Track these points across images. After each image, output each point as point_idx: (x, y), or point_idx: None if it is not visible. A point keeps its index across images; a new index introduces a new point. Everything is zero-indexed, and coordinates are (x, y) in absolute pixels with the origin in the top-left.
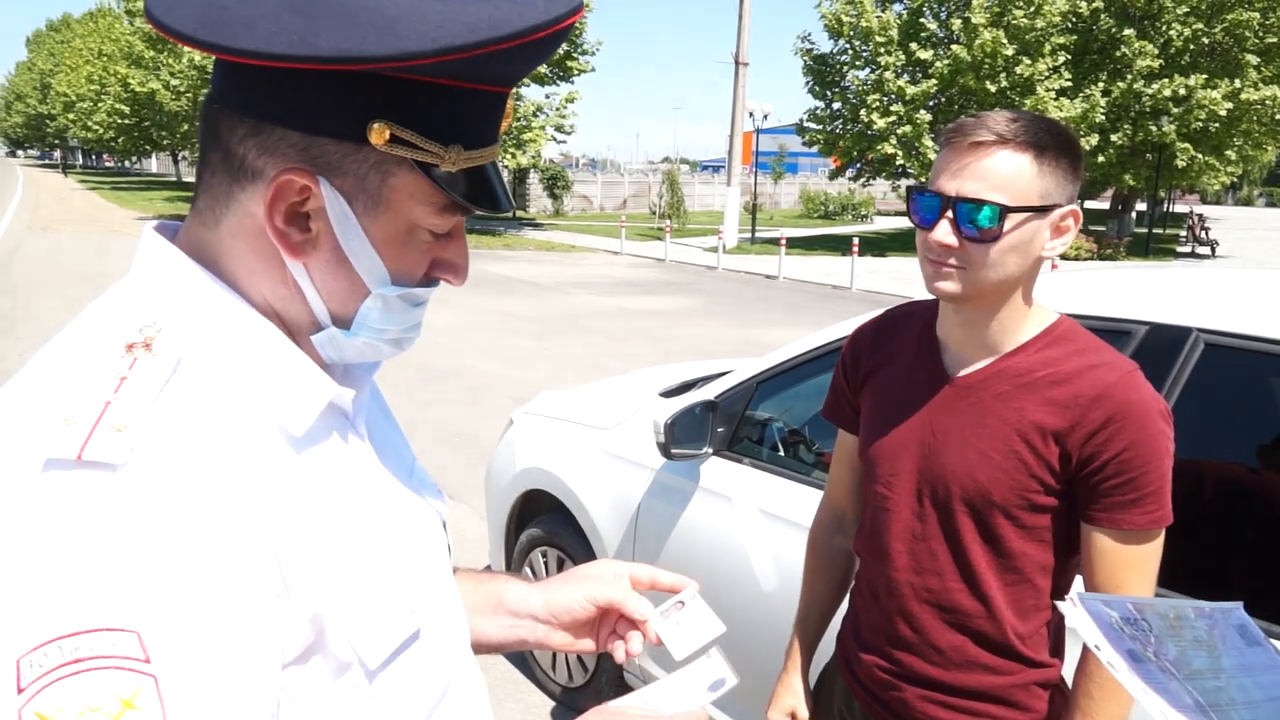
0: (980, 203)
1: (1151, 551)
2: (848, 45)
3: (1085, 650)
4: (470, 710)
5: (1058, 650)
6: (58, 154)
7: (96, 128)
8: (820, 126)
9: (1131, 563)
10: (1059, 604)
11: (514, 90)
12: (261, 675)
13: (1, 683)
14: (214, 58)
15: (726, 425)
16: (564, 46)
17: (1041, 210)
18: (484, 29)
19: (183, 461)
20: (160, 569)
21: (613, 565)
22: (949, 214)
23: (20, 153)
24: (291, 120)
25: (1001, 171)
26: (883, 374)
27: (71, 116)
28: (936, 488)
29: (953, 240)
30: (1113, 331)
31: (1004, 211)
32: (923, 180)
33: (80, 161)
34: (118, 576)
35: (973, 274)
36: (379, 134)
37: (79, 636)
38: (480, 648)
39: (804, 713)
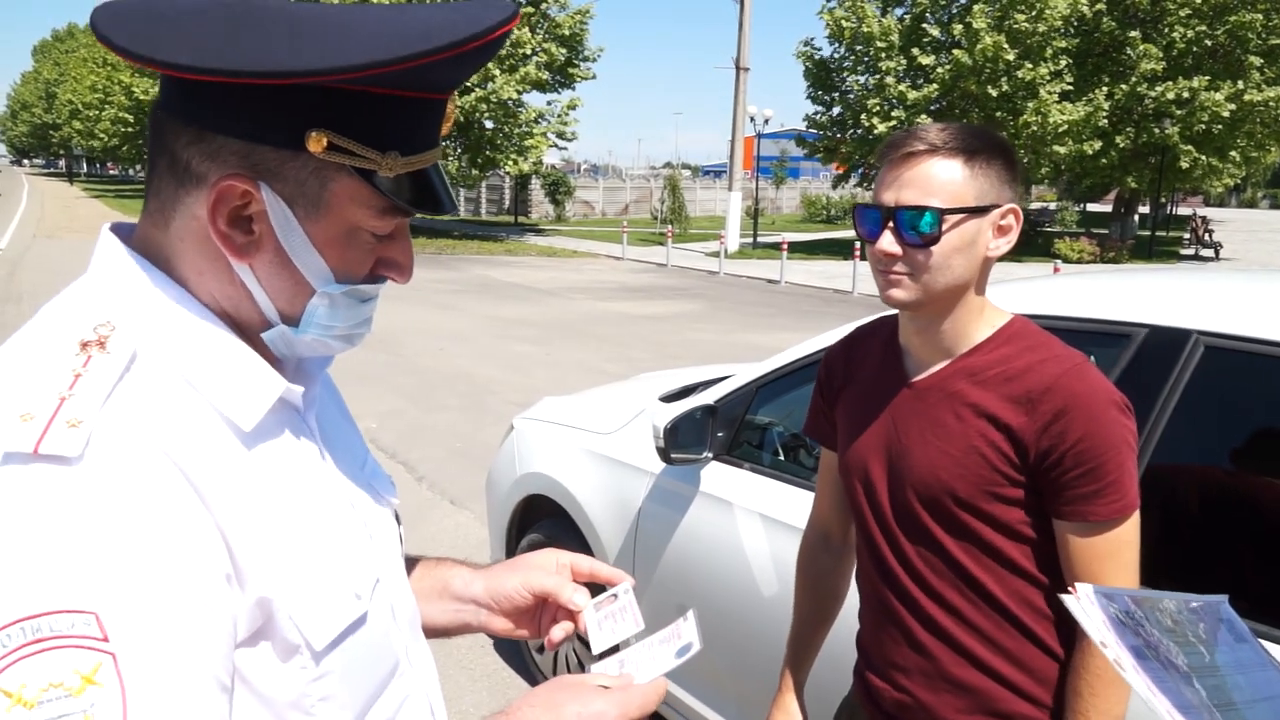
0: (917, 208)
1: (1126, 540)
2: (849, 50)
3: (1075, 647)
4: (419, 691)
5: (1070, 638)
6: (62, 162)
7: (101, 136)
8: (820, 133)
9: (1107, 553)
10: (1062, 596)
11: (453, 94)
12: (215, 651)
13: None
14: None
15: (726, 430)
16: (565, 53)
17: (978, 211)
18: (415, 41)
19: (134, 454)
20: (115, 554)
21: (555, 555)
22: (890, 224)
23: (25, 161)
24: (232, 129)
25: (935, 178)
26: (853, 388)
27: (76, 125)
28: (906, 491)
29: (896, 249)
30: (1112, 334)
31: (940, 214)
32: None
33: (84, 170)
34: (76, 561)
35: (920, 279)
36: (316, 142)
37: (41, 618)
38: (429, 631)
39: None
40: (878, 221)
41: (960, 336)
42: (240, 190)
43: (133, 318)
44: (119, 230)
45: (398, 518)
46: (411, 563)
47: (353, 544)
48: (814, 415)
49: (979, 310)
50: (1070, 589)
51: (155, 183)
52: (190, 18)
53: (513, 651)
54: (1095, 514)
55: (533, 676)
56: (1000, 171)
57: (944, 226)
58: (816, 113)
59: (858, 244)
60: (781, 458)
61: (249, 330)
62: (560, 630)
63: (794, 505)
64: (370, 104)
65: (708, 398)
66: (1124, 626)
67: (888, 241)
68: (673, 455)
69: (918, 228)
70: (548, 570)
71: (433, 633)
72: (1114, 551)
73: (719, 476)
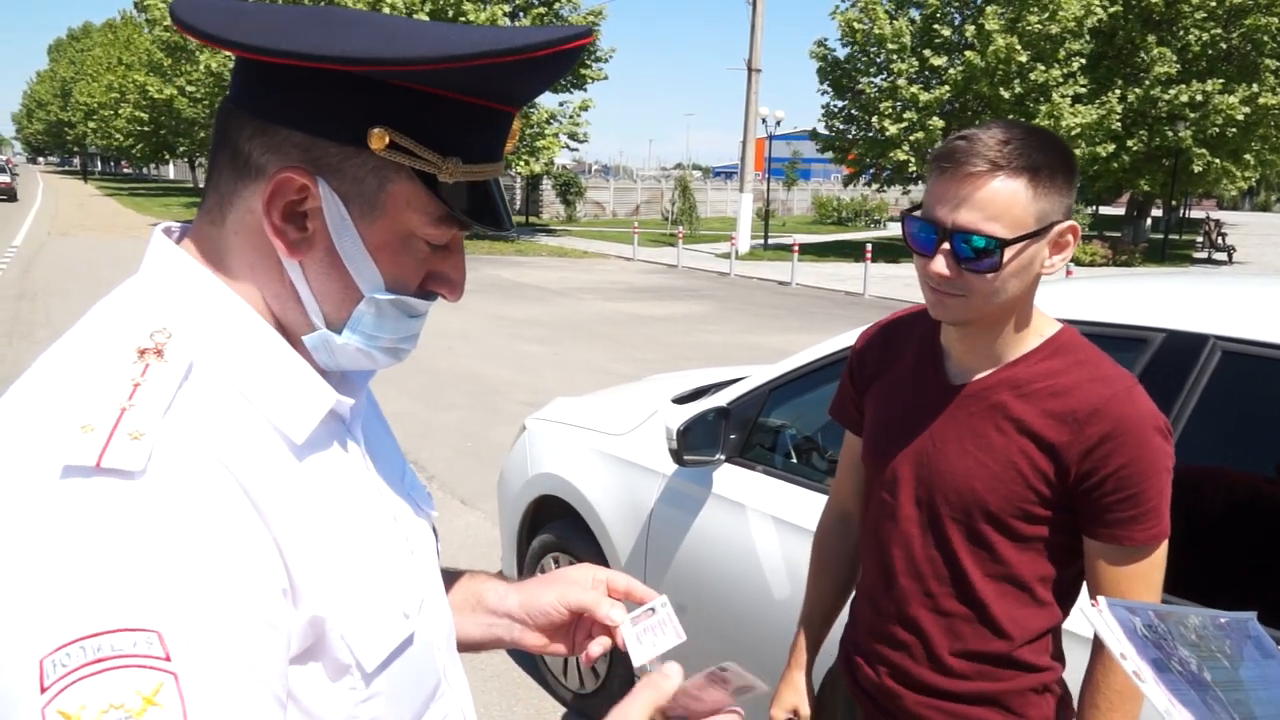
0: (978, 234)
1: (1155, 564)
2: (862, 51)
3: (1092, 660)
4: (456, 710)
5: (1058, 655)
6: (77, 160)
7: (116, 134)
8: (834, 134)
9: (1136, 576)
10: (1084, 608)
11: (520, 111)
12: (273, 668)
13: (25, 682)
14: (233, 65)
15: (739, 432)
16: None
17: (1040, 233)
18: (486, 43)
19: (197, 469)
20: (178, 571)
21: (591, 570)
22: (946, 245)
23: (40, 159)
24: (296, 121)
25: (997, 200)
26: (887, 378)
27: (92, 124)
28: (934, 494)
29: (950, 273)
30: (1129, 339)
31: (1002, 245)
32: None
33: (99, 168)
34: (138, 579)
35: (974, 301)
36: (379, 139)
37: (101, 636)
38: (461, 645)
39: (806, 710)
40: (932, 237)
41: (1007, 345)
42: (298, 184)
43: (189, 325)
44: (169, 234)
45: (435, 531)
46: (444, 575)
47: (400, 561)
48: (841, 399)
49: (1026, 319)
50: (1092, 601)
51: (215, 178)
52: (266, 10)
53: (522, 652)
54: (1130, 539)
55: (542, 676)
56: (1062, 185)
57: (1005, 257)
58: (833, 105)
59: (869, 246)
60: (794, 460)
61: (292, 334)
62: (598, 645)
63: (806, 508)
64: (435, 105)
65: (721, 400)
66: (1145, 640)
67: (941, 264)
68: (685, 457)
69: (977, 255)
70: (584, 585)
71: (464, 647)
72: (1143, 574)
73: (731, 479)
